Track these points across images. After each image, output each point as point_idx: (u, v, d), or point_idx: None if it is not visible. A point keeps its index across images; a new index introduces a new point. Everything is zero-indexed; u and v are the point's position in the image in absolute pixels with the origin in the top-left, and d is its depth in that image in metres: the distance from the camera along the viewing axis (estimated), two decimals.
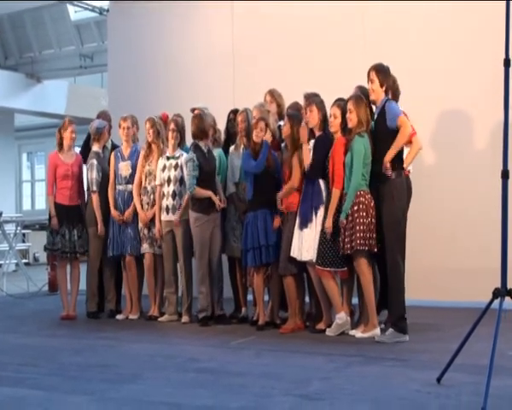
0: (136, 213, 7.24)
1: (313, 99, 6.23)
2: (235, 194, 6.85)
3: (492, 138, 7.06)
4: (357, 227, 5.65)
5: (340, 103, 6.02)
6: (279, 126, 6.65)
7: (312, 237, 6.00)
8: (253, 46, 8.70)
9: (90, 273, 7.53)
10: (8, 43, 15.36)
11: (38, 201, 21.24)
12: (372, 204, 5.71)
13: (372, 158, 5.76)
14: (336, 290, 6.00)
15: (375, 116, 5.78)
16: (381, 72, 5.74)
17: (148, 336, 6.37)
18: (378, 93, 5.74)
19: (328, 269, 5.90)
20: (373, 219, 5.69)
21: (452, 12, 7.39)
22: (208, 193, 6.68)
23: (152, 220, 7.13)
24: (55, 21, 14.56)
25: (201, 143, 6.79)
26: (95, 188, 7.35)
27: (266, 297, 6.70)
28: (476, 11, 7.24)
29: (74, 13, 14.51)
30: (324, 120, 6.13)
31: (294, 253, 6.09)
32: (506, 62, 4.02)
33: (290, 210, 6.24)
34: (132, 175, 7.30)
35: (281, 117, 6.77)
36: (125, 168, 7.33)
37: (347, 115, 5.81)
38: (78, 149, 7.92)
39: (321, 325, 6.15)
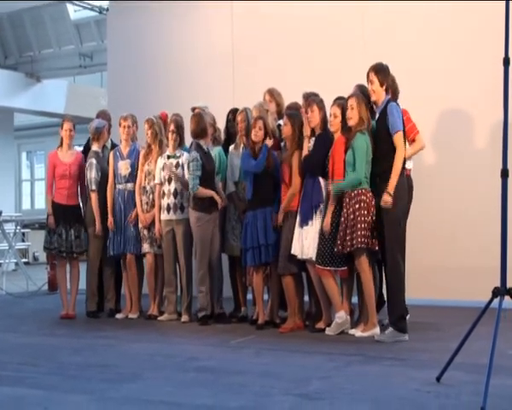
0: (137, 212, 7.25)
1: (314, 98, 6.24)
2: (235, 193, 6.86)
3: (492, 138, 7.07)
4: (359, 225, 5.65)
5: (341, 102, 6.02)
6: (278, 125, 6.66)
7: (312, 235, 6.00)
8: (252, 46, 8.70)
9: (90, 273, 7.52)
10: (8, 42, 15.36)
11: (38, 200, 21.23)
12: (373, 203, 5.70)
13: (373, 157, 5.76)
14: (336, 289, 6.00)
15: (377, 115, 5.77)
16: (380, 71, 5.74)
17: (148, 335, 6.37)
18: (379, 93, 5.73)
19: (328, 268, 5.90)
20: (373, 218, 5.69)
21: (452, 12, 7.40)
22: (211, 192, 6.68)
23: (152, 220, 7.14)
24: (55, 20, 14.56)
25: (201, 142, 6.79)
26: (94, 187, 7.35)
27: (266, 296, 6.70)
28: (476, 11, 7.25)
29: (74, 12, 14.51)
30: (325, 120, 6.13)
31: (295, 251, 6.10)
32: (505, 61, 4.02)
33: (290, 210, 6.24)
34: (132, 174, 7.30)
35: (280, 116, 6.78)
36: (124, 167, 7.32)
37: (348, 112, 5.81)
38: (79, 148, 7.92)
39: (320, 324, 6.15)
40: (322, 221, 5.97)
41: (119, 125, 7.43)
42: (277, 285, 6.41)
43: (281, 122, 6.57)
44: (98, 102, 14.18)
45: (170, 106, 7.58)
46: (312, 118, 6.14)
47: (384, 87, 5.72)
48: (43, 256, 13.08)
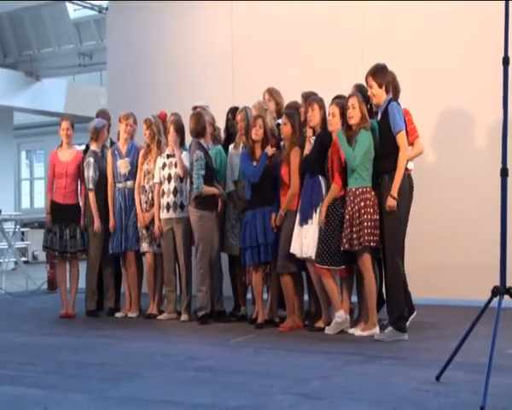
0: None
1: (314, 98, 6.24)
2: (235, 192, 6.86)
3: (492, 137, 7.07)
4: (365, 223, 5.65)
5: (339, 102, 6.02)
6: (278, 125, 6.66)
7: (312, 234, 6.00)
8: (252, 46, 8.71)
9: (90, 272, 7.52)
10: (8, 41, 15.36)
11: (37, 199, 21.23)
12: (376, 201, 5.71)
13: (375, 156, 5.76)
14: (335, 289, 6.00)
15: (379, 115, 5.77)
16: (377, 73, 5.72)
17: (148, 334, 6.37)
18: (379, 96, 5.72)
19: (327, 267, 5.90)
20: (377, 216, 5.69)
21: (452, 12, 7.40)
22: (214, 190, 6.69)
23: (151, 219, 7.14)
24: (55, 20, 14.56)
25: (201, 141, 6.80)
26: (91, 186, 7.33)
27: (265, 296, 6.70)
28: (476, 11, 7.25)
29: (73, 11, 14.51)
30: (325, 119, 6.14)
31: (295, 250, 6.10)
32: (504, 61, 4.02)
33: (289, 209, 6.24)
34: (131, 172, 7.30)
35: (279, 115, 6.78)
36: (123, 166, 7.32)
37: (349, 111, 5.80)
38: (80, 147, 7.92)
39: (320, 324, 6.15)
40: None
41: (120, 122, 7.41)
42: (277, 284, 6.41)
43: (280, 121, 6.57)
44: (98, 101, 14.18)
45: (169, 105, 7.59)
46: (313, 117, 6.15)
47: (383, 88, 5.71)
48: (42, 255, 13.08)
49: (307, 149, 6.17)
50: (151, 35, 9.59)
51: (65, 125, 7.49)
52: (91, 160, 7.36)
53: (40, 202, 20.11)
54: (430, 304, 7.12)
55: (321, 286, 6.05)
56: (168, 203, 6.96)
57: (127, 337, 6.22)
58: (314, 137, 6.18)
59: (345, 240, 5.75)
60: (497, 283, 3.94)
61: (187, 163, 6.84)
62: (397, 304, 5.62)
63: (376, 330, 5.77)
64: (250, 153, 6.43)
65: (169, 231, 6.98)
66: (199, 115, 6.85)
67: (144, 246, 7.19)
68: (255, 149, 6.41)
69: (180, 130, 6.98)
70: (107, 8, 10.91)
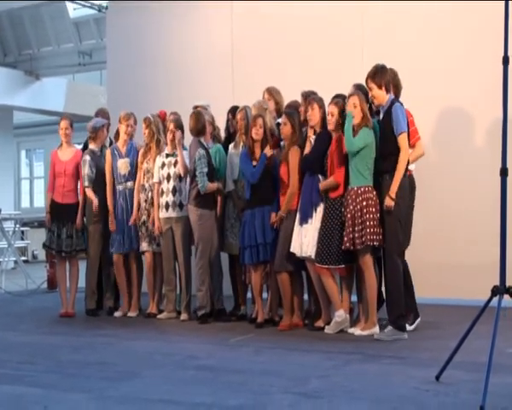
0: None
1: (314, 97, 6.24)
2: (234, 191, 6.86)
3: (492, 137, 7.06)
4: (368, 223, 5.65)
5: (338, 101, 6.03)
6: (278, 124, 6.66)
7: (312, 233, 6.00)
8: (252, 46, 8.71)
9: (89, 271, 7.52)
10: (7, 40, 15.35)
11: (37, 198, 21.22)
12: (377, 201, 5.71)
13: (376, 156, 5.76)
14: (335, 288, 6.01)
15: (381, 115, 5.76)
16: (376, 74, 5.70)
17: (147, 333, 6.37)
18: (380, 97, 5.71)
19: (327, 266, 5.90)
20: (378, 215, 5.69)
21: (452, 12, 7.40)
22: (216, 185, 6.71)
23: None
24: (54, 19, 14.54)
25: (202, 140, 6.81)
26: (86, 183, 7.32)
27: (266, 295, 6.70)
28: (476, 11, 7.25)
29: (73, 10, 14.50)
30: (324, 118, 6.14)
31: (295, 249, 6.10)
32: (504, 60, 4.02)
33: (289, 209, 6.24)
34: (131, 172, 7.30)
35: (279, 114, 6.78)
36: (123, 166, 7.31)
37: (350, 110, 5.80)
38: (79, 146, 7.92)
39: (319, 323, 6.15)
40: (322, 219, 5.97)
41: (120, 122, 7.41)
42: (276, 284, 6.41)
43: (280, 120, 6.57)
44: (97, 100, 14.17)
45: (169, 105, 7.58)
46: (312, 116, 6.15)
47: (383, 88, 5.70)
48: (42, 254, 13.09)
49: (308, 149, 6.17)
50: (151, 34, 9.58)
51: (64, 124, 7.49)
52: (87, 157, 7.36)
53: (40, 201, 20.11)
54: (430, 303, 7.11)
55: (321, 285, 6.05)
56: (167, 203, 6.96)
57: (127, 337, 6.22)
58: (314, 137, 6.18)
59: (346, 239, 5.75)
60: (497, 282, 3.94)
61: (187, 162, 6.85)
62: (396, 303, 5.62)
63: (376, 329, 5.77)
64: (249, 152, 6.44)
65: (168, 231, 6.98)
66: (199, 114, 6.86)
67: (144, 245, 7.19)
68: (255, 148, 6.41)
69: (180, 129, 6.99)
70: (106, 8, 10.90)
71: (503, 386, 4.01)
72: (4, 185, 16.43)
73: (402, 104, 5.71)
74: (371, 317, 5.83)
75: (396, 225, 5.62)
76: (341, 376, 4.49)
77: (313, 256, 5.98)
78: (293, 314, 6.36)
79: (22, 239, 14.92)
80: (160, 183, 7.03)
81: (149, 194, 7.17)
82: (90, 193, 7.29)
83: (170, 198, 6.95)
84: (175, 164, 6.96)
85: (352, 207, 5.74)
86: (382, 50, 7.25)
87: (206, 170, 6.62)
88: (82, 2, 13.58)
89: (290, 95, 6.81)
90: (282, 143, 6.58)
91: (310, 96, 6.29)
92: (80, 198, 7.46)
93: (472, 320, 4.04)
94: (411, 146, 5.93)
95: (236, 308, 7.06)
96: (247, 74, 8.60)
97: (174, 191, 6.95)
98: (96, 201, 7.24)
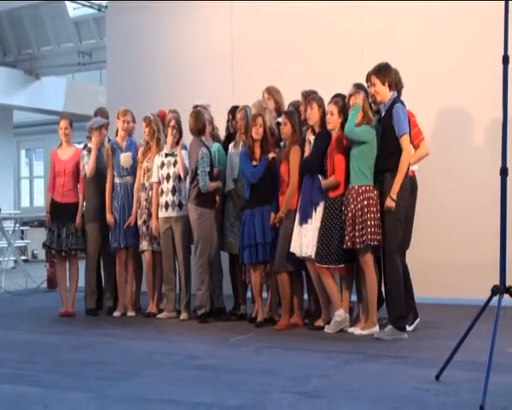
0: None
1: (313, 96, 6.24)
2: (234, 190, 6.86)
3: (492, 137, 7.05)
4: (368, 222, 5.65)
5: (338, 100, 6.03)
6: (277, 123, 6.66)
7: (312, 233, 6.00)
8: (252, 46, 8.71)
9: (88, 270, 7.52)
10: (7, 39, 15.33)
11: (37, 198, 21.22)
12: (378, 200, 5.71)
13: (377, 155, 5.76)
14: (335, 288, 6.01)
15: (383, 113, 5.76)
16: (380, 71, 5.72)
17: (147, 333, 6.37)
18: (382, 93, 5.70)
19: (327, 266, 5.90)
20: (379, 215, 5.69)
21: (452, 12, 7.40)
22: (216, 184, 6.71)
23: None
24: (54, 18, 14.53)
25: (203, 139, 6.81)
26: (83, 174, 7.34)
27: (265, 294, 6.70)
28: (476, 11, 7.25)
29: (73, 10, 14.49)
30: (324, 117, 6.13)
31: (294, 249, 6.10)
32: (504, 59, 4.02)
33: (288, 209, 6.24)
34: (133, 166, 7.30)
35: (279, 114, 6.78)
36: (126, 160, 7.31)
37: (351, 110, 5.80)
38: (79, 146, 7.92)
39: (319, 322, 6.15)
40: (322, 219, 5.97)
41: (118, 118, 7.41)
42: (276, 283, 6.41)
43: (279, 120, 6.57)
44: (97, 99, 14.15)
45: (169, 105, 7.57)
46: (311, 115, 6.15)
47: (386, 85, 5.70)
48: (42, 254, 13.08)
49: (307, 150, 6.16)
50: (151, 34, 9.58)
51: (63, 124, 7.49)
52: (85, 152, 7.41)
53: (40, 200, 20.11)
54: (430, 303, 7.12)
55: (320, 285, 6.05)
56: (167, 202, 6.96)
57: (126, 336, 6.22)
58: (313, 137, 6.18)
59: (347, 238, 5.74)
60: (497, 281, 3.94)
61: (186, 162, 6.85)
62: (396, 303, 5.62)
63: (376, 328, 5.77)
64: (249, 152, 6.43)
65: (168, 230, 6.97)
66: (199, 113, 6.86)
67: (144, 244, 7.19)
68: (255, 148, 6.41)
69: (179, 126, 7.00)
70: (106, 7, 10.89)
71: (503, 385, 4.01)
72: (4, 185, 16.42)
73: (403, 103, 5.70)
74: (371, 316, 5.83)
75: (396, 224, 5.62)
76: (341, 375, 4.49)
77: (313, 256, 5.97)
78: (293, 314, 6.36)
79: (22, 238, 14.92)
80: (159, 183, 7.03)
81: (150, 193, 7.17)
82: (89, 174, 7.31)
83: (169, 198, 6.95)
84: (174, 164, 6.95)
85: (352, 207, 5.74)
86: (382, 50, 7.24)
87: (208, 169, 6.62)
88: (82, 2, 13.56)
89: (290, 95, 6.81)
90: (281, 142, 6.58)
91: (310, 96, 6.29)
92: (80, 197, 7.46)
93: (472, 320, 4.04)
94: (415, 147, 5.93)
95: (236, 308, 7.05)
96: (246, 74, 8.60)
97: (174, 191, 6.95)
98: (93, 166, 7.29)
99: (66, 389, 4.37)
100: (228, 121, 7.20)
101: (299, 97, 6.56)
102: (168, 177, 6.97)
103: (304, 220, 6.07)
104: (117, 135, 7.47)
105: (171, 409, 3.92)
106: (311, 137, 6.20)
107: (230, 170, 6.90)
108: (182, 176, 6.88)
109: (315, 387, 4.19)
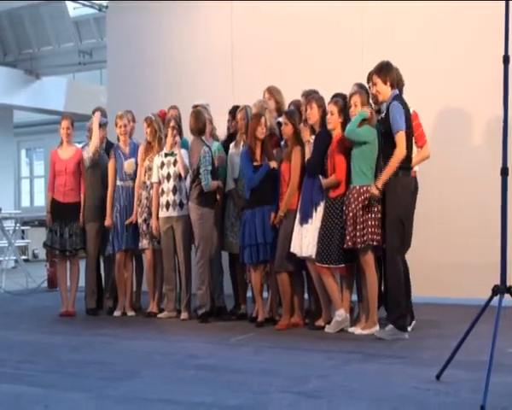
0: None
1: (313, 96, 6.24)
2: (235, 190, 6.86)
3: (492, 136, 7.04)
4: (369, 222, 5.65)
5: (338, 100, 6.03)
6: (278, 123, 6.66)
7: (312, 233, 6.00)
8: (252, 46, 8.71)
9: (88, 270, 7.52)
10: (7, 39, 15.34)
11: (37, 197, 21.23)
12: (379, 200, 5.70)
13: (379, 154, 5.75)
14: (336, 287, 6.00)
15: (384, 111, 5.76)
16: (382, 70, 5.72)
17: (147, 333, 6.36)
18: (384, 93, 5.70)
19: (327, 266, 5.90)
20: (380, 215, 5.69)
21: (452, 12, 7.40)
22: (217, 183, 6.72)
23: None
24: (54, 18, 14.54)
25: (203, 138, 6.82)
26: (88, 164, 7.36)
27: (266, 294, 6.70)
28: (476, 11, 7.25)
29: (73, 9, 14.49)
30: (324, 117, 6.13)
31: (295, 249, 6.09)
32: (505, 59, 4.01)
33: (288, 208, 6.24)
34: (136, 172, 7.31)
35: (280, 113, 6.78)
36: (130, 166, 7.32)
37: (352, 110, 5.80)
38: (80, 145, 7.93)
39: (320, 322, 6.14)
40: (323, 219, 5.96)
41: (115, 124, 7.41)
42: (277, 283, 6.40)
43: (280, 119, 6.57)
44: (97, 99, 14.15)
45: (169, 104, 7.57)
46: (311, 115, 6.15)
47: (388, 84, 5.70)
48: (42, 254, 13.09)
49: (308, 152, 6.15)
50: (151, 34, 9.58)
51: (65, 124, 7.49)
52: (85, 147, 7.44)
53: (40, 200, 20.11)
54: (430, 302, 7.12)
55: (321, 285, 6.05)
56: (168, 202, 6.96)
57: (126, 336, 6.22)
58: (313, 137, 6.17)
59: (348, 238, 5.74)
60: (498, 281, 3.93)
61: (186, 161, 6.85)
62: (397, 303, 5.61)
63: (377, 328, 5.76)
64: (250, 152, 6.43)
65: (169, 230, 6.97)
66: (199, 113, 6.86)
67: (144, 243, 7.19)
68: (256, 148, 6.40)
69: (178, 126, 7.00)
70: (107, 7, 10.89)
71: (504, 385, 4.00)
72: (4, 184, 16.43)
73: (404, 101, 5.69)
74: (372, 316, 5.82)
75: (397, 224, 5.61)
76: (341, 375, 4.48)
77: (313, 256, 5.97)
78: (294, 314, 6.35)
79: (22, 238, 14.93)
80: (159, 183, 7.03)
81: (151, 191, 7.17)
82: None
83: (170, 197, 6.95)
84: (174, 163, 6.95)
85: (353, 206, 5.73)
86: (382, 50, 7.20)
87: (210, 168, 6.63)
88: (82, 2, 13.56)
89: (290, 94, 6.82)
90: (281, 142, 6.58)
91: (309, 96, 6.28)
92: (82, 196, 7.45)
93: (472, 320, 4.03)
94: (419, 147, 5.92)
95: (237, 307, 7.05)
96: (246, 74, 8.60)
97: (174, 190, 6.95)
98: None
99: (66, 388, 4.36)
100: (229, 121, 7.20)
101: (299, 97, 6.56)
102: (169, 176, 6.97)
103: (304, 220, 6.07)
104: (119, 140, 7.48)
105: (171, 409, 3.91)
106: (311, 138, 6.19)
107: (231, 170, 6.90)
108: (182, 175, 6.88)
109: (315, 387, 4.19)
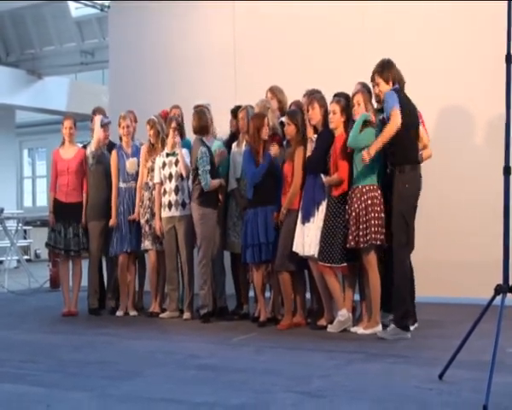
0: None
1: (314, 96, 6.23)
2: (237, 190, 6.86)
3: (493, 136, 7.05)
4: (373, 221, 5.64)
5: (340, 99, 6.02)
6: (281, 123, 6.66)
7: (314, 232, 5.99)
8: (254, 46, 8.71)
9: (91, 270, 7.52)
10: (10, 39, 15.35)
11: (39, 197, 21.25)
12: (382, 200, 5.70)
13: (383, 153, 5.74)
14: (338, 287, 6.00)
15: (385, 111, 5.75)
16: (384, 70, 5.72)
17: (149, 332, 6.37)
18: (386, 91, 5.70)
19: (330, 265, 5.89)
20: (383, 214, 5.68)
21: (452, 12, 7.40)
22: (219, 181, 6.71)
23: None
24: (56, 18, 14.55)
25: (204, 138, 6.81)
26: (91, 161, 7.36)
27: (268, 294, 6.69)
28: (476, 11, 7.24)
29: (75, 9, 14.50)
30: (326, 116, 6.13)
31: (297, 248, 6.09)
32: (507, 58, 4.01)
33: (290, 208, 6.23)
34: (138, 172, 7.31)
35: (282, 113, 6.78)
36: (132, 165, 7.32)
37: (355, 109, 5.80)
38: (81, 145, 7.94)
39: (322, 322, 6.14)
40: (325, 218, 5.96)
41: (119, 125, 7.42)
42: (278, 283, 6.40)
43: (283, 119, 6.57)
44: (100, 99, 14.14)
45: (171, 104, 7.58)
46: (313, 115, 6.15)
47: (390, 83, 5.70)
48: (44, 253, 13.09)
49: (309, 149, 6.15)
50: (153, 34, 9.59)
51: (68, 123, 7.50)
52: (88, 145, 7.46)
53: (42, 200, 20.13)
54: (433, 302, 7.12)
55: (323, 284, 6.05)
56: (170, 202, 6.96)
57: (128, 336, 6.22)
58: (316, 136, 6.17)
59: (351, 237, 5.74)
60: (500, 280, 3.92)
61: (187, 161, 6.85)
62: (401, 302, 5.60)
63: (379, 328, 5.75)
64: (253, 152, 6.42)
65: (171, 230, 6.97)
66: (201, 113, 6.86)
67: (147, 244, 7.19)
68: (259, 148, 6.40)
69: (180, 126, 7.01)
70: (109, 7, 10.89)
71: (506, 385, 4.00)
72: (7, 184, 16.44)
73: (405, 95, 5.67)
74: (374, 316, 5.81)
75: (402, 223, 5.59)
76: (344, 375, 4.48)
77: (316, 255, 5.96)
78: (296, 313, 6.35)
79: (25, 238, 14.94)
80: (161, 183, 7.03)
81: (153, 192, 7.17)
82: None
83: (173, 197, 6.95)
84: (176, 163, 6.95)
85: (356, 206, 5.73)
86: (382, 50, 7.20)
87: (208, 168, 6.62)
88: (84, 2, 13.55)
89: (292, 94, 6.81)
90: (284, 142, 6.58)
91: (311, 96, 6.28)
92: (84, 196, 7.45)
93: (475, 319, 4.03)
94: (423, 147, 5.92)
95: (239, 307, 7.05)
96: (249, 74, 8.60)
97: (177, 190, 6.95)
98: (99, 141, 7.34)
99: (68, 388, 4.37)
100: (230, 121, 7.20)
101: (301, 97, 6.56)
102: (170, 176, 6.97)
103: (306, 219, 6.07)
104: (121, 140, 7.48)
105: (173, 408, 3.91)
106: (313, 137, 6.19)
107: (233, 169, 6.90)
108: (184, 175, 6.89)
109: (317, 387, 4.18)
